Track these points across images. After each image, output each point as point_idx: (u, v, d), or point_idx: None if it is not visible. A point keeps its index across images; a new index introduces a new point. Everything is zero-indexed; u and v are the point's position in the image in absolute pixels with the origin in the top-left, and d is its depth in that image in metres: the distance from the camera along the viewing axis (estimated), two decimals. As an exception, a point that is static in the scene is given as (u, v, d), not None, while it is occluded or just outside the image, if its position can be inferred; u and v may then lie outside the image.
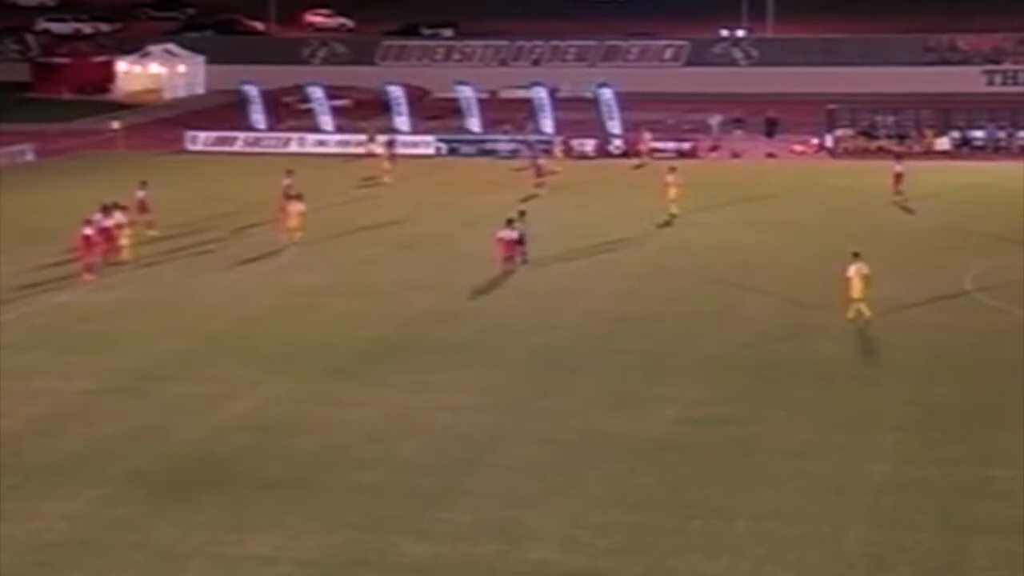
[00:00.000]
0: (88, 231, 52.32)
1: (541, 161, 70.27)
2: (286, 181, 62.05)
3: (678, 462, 33.42)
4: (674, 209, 60.97)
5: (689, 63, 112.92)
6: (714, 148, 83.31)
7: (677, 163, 67.78)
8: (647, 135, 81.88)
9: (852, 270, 44.73)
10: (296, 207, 57.67)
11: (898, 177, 65.69)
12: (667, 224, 60.25)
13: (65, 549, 28.97)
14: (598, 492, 31.73)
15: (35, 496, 31.56)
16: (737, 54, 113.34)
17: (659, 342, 43.58)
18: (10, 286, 50.88)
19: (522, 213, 54.25)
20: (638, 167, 63.03)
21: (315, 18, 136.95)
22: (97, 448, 34.64)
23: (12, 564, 28.32)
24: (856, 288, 44.58)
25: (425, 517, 30.40)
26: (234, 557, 28.63)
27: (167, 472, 33.03)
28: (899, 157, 69.65)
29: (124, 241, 54.87)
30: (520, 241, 52.96)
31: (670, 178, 61.91)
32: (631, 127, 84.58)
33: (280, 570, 28.15)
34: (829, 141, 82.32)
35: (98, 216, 54.39)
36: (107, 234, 54.05)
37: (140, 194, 60.20)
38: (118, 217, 55.13)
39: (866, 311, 44.43)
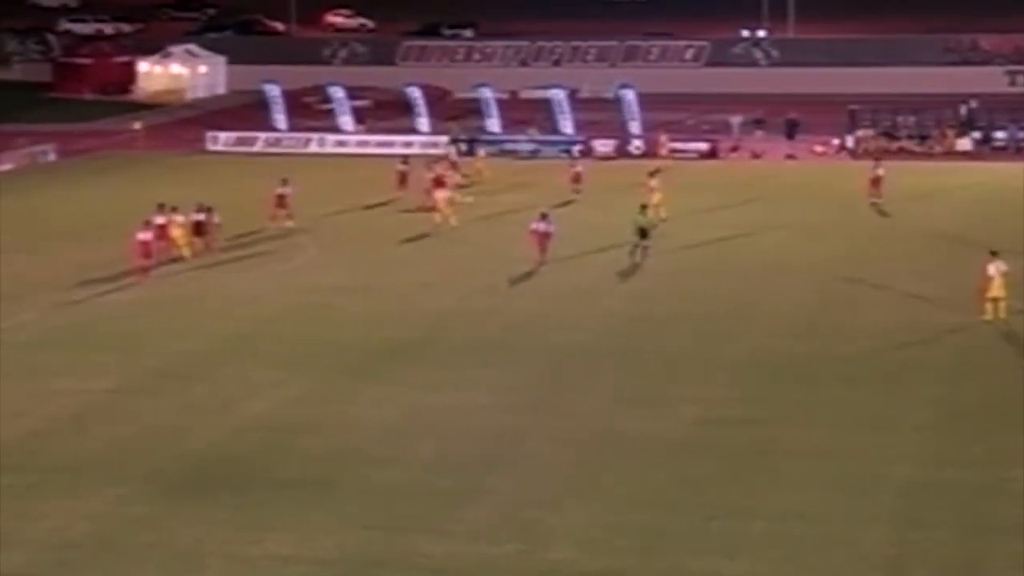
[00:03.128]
0: (144, 235, 52.19)
1: (579, 168, 68.59)
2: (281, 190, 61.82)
3: (698, 462, 33.34)
4: (662, 213, 59.42)
5: (709, 63, 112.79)
6: (735, 149, 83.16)
7: (658, 167, 67.71)
8: (663, 137, 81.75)
9: (992, 268, 44.03)
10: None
11: (876, 181, 64.71)
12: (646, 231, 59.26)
13: (84, 548, 29.00)
14: (617, 492, 31.66)
15: (55, 495, 31.60)
16: (758, 54, 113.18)
17: (678, 342, 43.50)
18: (31, 285, 50.97)
19: (544, 216, 54.26)
20: (655, 171, 62.77)
21: (336, 18, 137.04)
22: (117, 447, 34.68)
23: (32, 562, 28.36)
24: (996, 287, 43.93)
25: (444, 517, 30.37)
26: (252, 556, 28.64)
27: (186, 471, 33.05)
28: (877, 159, 68.95)
29: (181, 239, 54.82)
30: (549, 235, 53.70)
31: (653, 183, 60.95)
32: (651, 128, 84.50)
33: (298, 570, 28.15)
34: (850, 142, 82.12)
35: (157, 218, 54.45)
36: (162, 233, 54.08)
37: (281, 190, 60.89)
38: (174, 218, 55.04)
39: (1003, 312, 43.97)
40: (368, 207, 65.84)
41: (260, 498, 31.40)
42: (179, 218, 55.41)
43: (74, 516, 30.46)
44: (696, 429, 35.69)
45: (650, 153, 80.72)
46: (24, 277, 52.17)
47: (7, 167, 78.92)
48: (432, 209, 60.93)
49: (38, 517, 30.42)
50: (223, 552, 28.79)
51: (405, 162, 68.95)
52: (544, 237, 53.66)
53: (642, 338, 44.06)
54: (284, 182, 61.52)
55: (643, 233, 53.71)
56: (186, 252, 54.90)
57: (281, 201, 61.12)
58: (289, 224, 60.00)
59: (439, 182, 62.65)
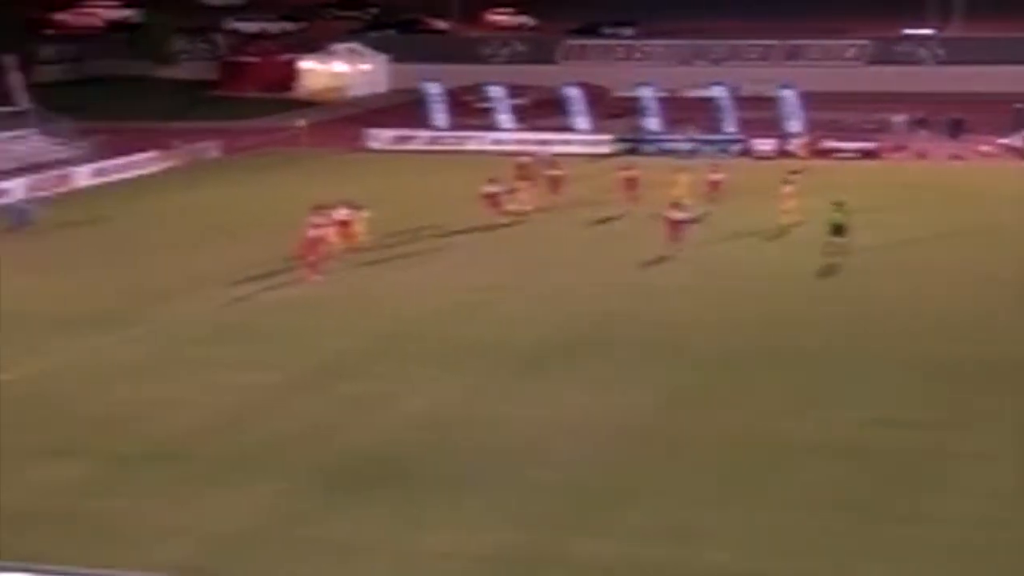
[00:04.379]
0: (310, 233, 52.86)
1: (719, 176, 66.26)
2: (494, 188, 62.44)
3: (863, 466, 32.84)
4: (790, 219, 58.74)
5: (872, 62, 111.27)
6: (898, 149, 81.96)
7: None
8: (805, 139, 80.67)
9: None
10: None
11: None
12: (778, 237, 58.55)
13: (245, 540, 29.35)
14: (778, 494, 31.31)
15: (216, 488, 32.03)
16: (922, 53, 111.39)
17: (845, 343, 42.93)
18: (197, 281, 51.82)
19: (676, 204, 55.31)
20: (795, 172, 62.10)
21: (497, 17, 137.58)
22: (278, 442, 35.07)
23: (192, 555, 28.78)
24: None
25: (601, 516, 30.27)
26: (410, 552, 28.77)
27: (346, 467, 33.31)
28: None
29: (337, 237, 55.43)
30: (685, 222, 54.89)
31: (788, 188, 60.18)
32: (812, 127, 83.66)
33: (456, 566, 28.22)
34: (1018, 141, 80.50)
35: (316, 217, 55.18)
36: (344, 228, 55.01)
37: (489, 189, 61.62)
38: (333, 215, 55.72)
39: None
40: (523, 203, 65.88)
41: (418, 494, 31.54)
42: (336, 215, 55.89)
43: (236, 509, 30.85)
44: (861, 431, 35.17)
45: (791, 154, 79.88)
46: (190, 273, 53.04)
47: (172, 164, 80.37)
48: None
49: (200, 509, 30.87)
50: (382, 547, 28.95)
51: (555, 164, 68.23)
52: (678, 225, 54.49)
53: (805, 339, 43.55)
54: (492, 181, 62.31)
55: (838, 230, 53.21)
56: (341, 249, 55.34)
57: (494, 199, 61.90)
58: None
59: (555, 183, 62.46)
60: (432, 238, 59.17)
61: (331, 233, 54.93)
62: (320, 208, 55.21)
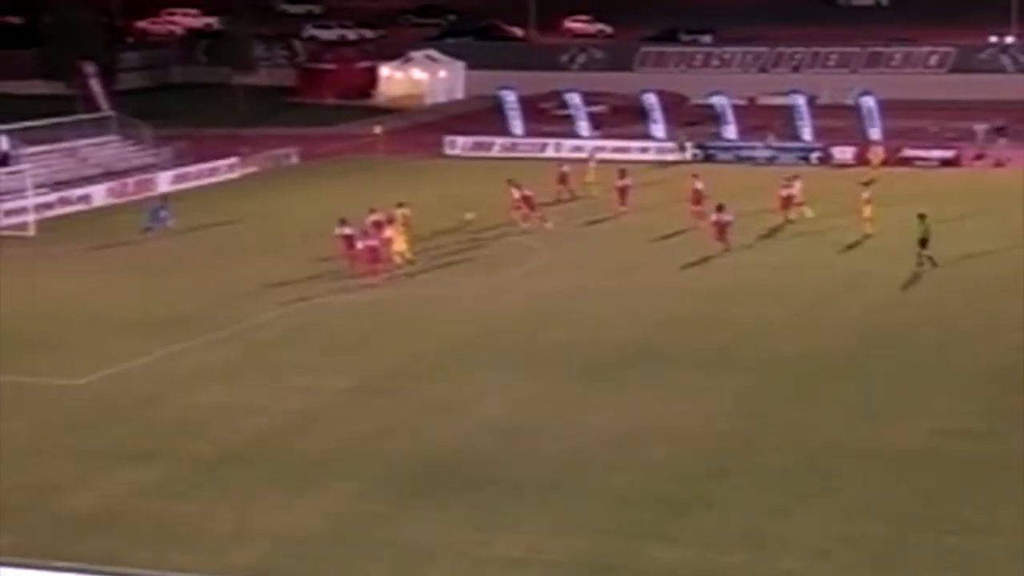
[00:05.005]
0: (369, 242, 53.49)
1: (793, 190, 63.72)
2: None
3: (934, 475, 32.65)
4: (868, 229, 58.57)
5: (954, 70, 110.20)
6: (978, 157, 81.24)
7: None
8: (879, 148, 79.94)
9: None
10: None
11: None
12: (856, 245, 58.07)
13: (318, 543, 29.54)
14: (849, 503, 31.16)
15: (291, 490, 32.26)
16: (1005, 60, 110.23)
17: (915, 352, 42.65)
18: (273, 284, 52.17)
19: (720, 207, 56.89)
20: (868, 182, 61.67)
21: (574, 24, 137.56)
22: (352, 445, 35.26)
23: (269, 555, 29.01)
24: None
25: (673, 524, 30.23)
26: (483, 557, 28.84)
27: (419, 471, 33.45)
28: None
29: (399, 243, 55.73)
30: (729, 224, 56.54)
31: (865, 194, 59.85)
32: (891, 135, 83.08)
33: (529, 572, 28.26)
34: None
35: (368, 222, 55.68)
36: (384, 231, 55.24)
37: (520, 192, 62.43)
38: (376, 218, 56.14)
39: None
40: (596, 209, 65.85)
41: (491, 499, 31.62)
42: (398, 220, 56.22)
43: (310, 511, 31.05)
44: (933, 441, 34.95)
45: (888, 160, 79.30)
46: (266, 276, 53.40)
47: (252, 170, 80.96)
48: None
49: (276, 511, 31.10)
50: (454, 551, 29.05)
51: (624, 174, 67.47)
52: (723, 227, 56.30)
53: (877, 348, 43.30)
54: (514, 183, 62.64)
55: (923, 243, 52.86)
56: (407, 255, 55.54)
57: (528, 202, 62.28)
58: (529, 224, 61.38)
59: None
60: (507, 243, 59.23)
61: (398, 239, 55.20)
62: (372, 211, 55.98)
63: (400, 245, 55.06)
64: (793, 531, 29.65)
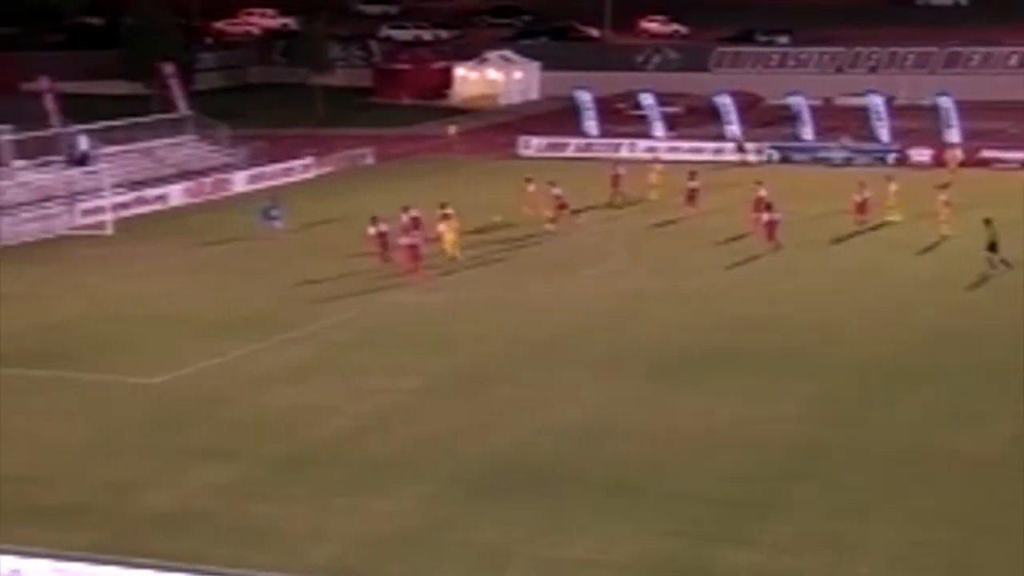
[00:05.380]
0: (408, 240, 54.06)
1: (866, 195, 62.69)
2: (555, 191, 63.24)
3: (1014, 481, 32.29)
4: (945, 230, 58.20)
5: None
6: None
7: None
8: (957, 150, 79.09)
9: None
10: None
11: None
12: (933, 247, 57.69)
13: (392, 544, 29.65)
14: (926, 508, 30.94)
15: (363, 492, 32.41)
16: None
17: (993, 356, 42.24)
18: (349, 285, 52.44)
19: (768, 206, 57.69)
20: (944, 185, 61.17)
21: (650, 25, 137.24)
22: (424, 446, 35.37)
23: (342, 556, 29.15)
24: None
25: (748, 527, 30.13)
26: (555, 559, 28.85)
27: (491, 472, 33.51)
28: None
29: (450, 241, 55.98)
30: (776, 223, 57.22)
31: (943, 196, 59.43)
32: (970, 136, 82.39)
33: (601, 574, 28.23)
34: None
35: (405, 219, 56.32)
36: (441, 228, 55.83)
37: (555, 191, 62.85)
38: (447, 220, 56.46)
39: None
40: (668, 211, 65.70)
41: (563, 501, 31.64)
42: (451, 220, 56.76)
43: (382, 513, 31.19)
44: (1014, 446, 34.61)
45: (967, 162, 78.62)
46: (340, 278, 53.66)
47: (327, 170, 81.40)
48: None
49: (348, 512, 31.26)
50: (526, 553, 29.07)
51: (692, 177, 67.29)
52: (772, 226, 56.96)
53: (955, 352, 42.96)
54: (617, 163, 63.16)
55: (991, 247, 52.45)
56: (456, 254, 55.86)
57: (615, 181, 63.58)
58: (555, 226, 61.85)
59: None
60: (581, 245, 59.24)
61: (450, 237, 55.87)
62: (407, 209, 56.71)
63: (449, 243, 55.76)
64: (868, 535, 29.47)
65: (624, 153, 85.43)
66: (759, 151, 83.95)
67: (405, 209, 57.19)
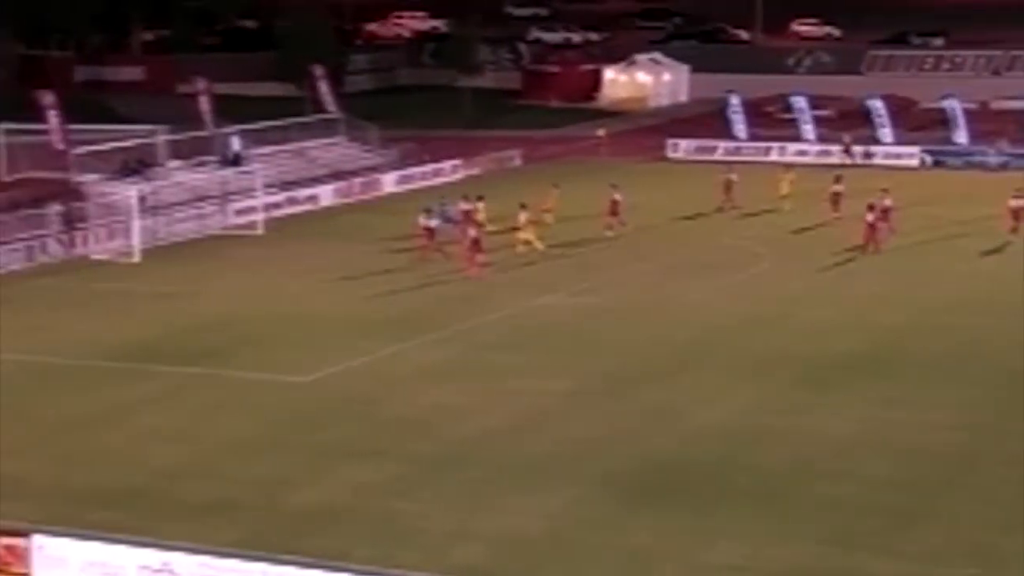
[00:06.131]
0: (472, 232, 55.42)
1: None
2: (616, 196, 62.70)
3: None
4: None
5: None
6: None
7: None
8: None
9: None
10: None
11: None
12: None
13: (540, 546, 29.63)
14: (1082, 521, 30.29)
15: (511, 492, 32.43)
16: None
17: None
18: (495, 287, 52.58)
19: (871, 207, 57.51)
20: None
21: (802, 27, 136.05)
22: (572, 448, 35.32)
23: (490, 556, 29.16)
24: None
25: (896, 536, 29.69)
26: (702, 564, 28.65)
27: (639, 475, 33.38)
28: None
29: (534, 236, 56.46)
30: (875, 225, 57.24)
31: None
32: None
33: (747, 580, 28.07)
34: None
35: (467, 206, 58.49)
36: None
37: (614, 196, 61.33)
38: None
39: None
40: (817, 215, 65.01)
41: (712, 506, 31.43)
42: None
43: (531, 514, 31.17)
44: None
45: None
46: (482, 278, 53.80)
47: (475, 171, 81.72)
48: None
49: (497, 513, 31.30)
50: (674, 558, 28.91)
51: (837, 180, 65.99)
52: (872, 228, 56.84)
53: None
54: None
55: None
56: (539, 246, 56.75)
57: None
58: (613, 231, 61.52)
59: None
60: (730, 248, 58.87)
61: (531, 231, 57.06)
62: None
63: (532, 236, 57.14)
64: (1021, 547, 28.87)
65: (774, 157, 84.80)
66: (867, 155, 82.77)
67: (464, 198, 57.54)
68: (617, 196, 62.36)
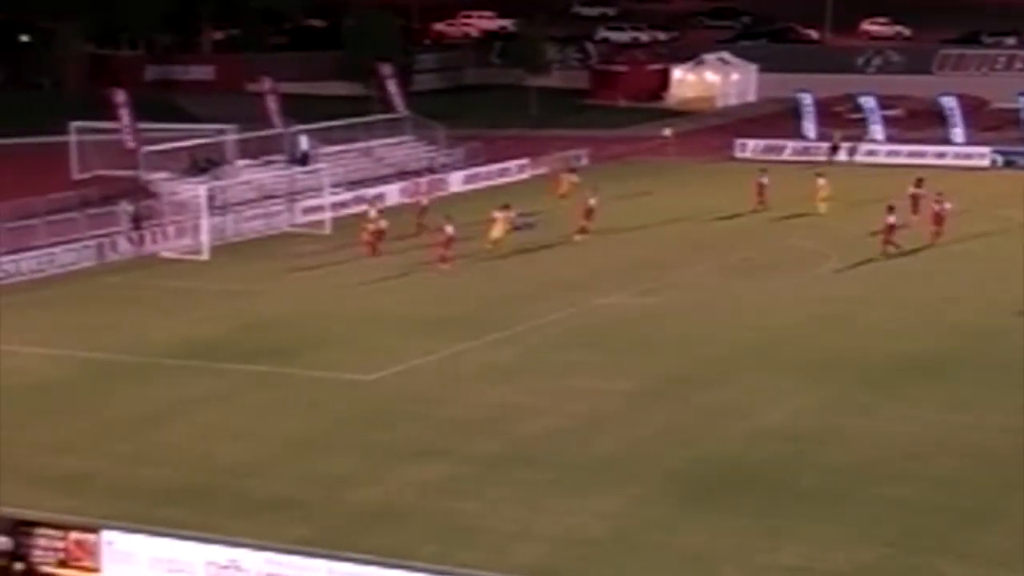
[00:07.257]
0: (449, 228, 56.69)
1: None
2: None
3: None
4: None
5: None
6: None
7: None
8: None
9: None
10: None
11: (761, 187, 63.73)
12: None
13: (601, 545, 29.62)
14: None
15: (573, 492, 32.43)
16: None
17: None
18: (558, 287, 52.58)
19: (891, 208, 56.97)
20: None
21: (872, 26, 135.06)
22: (634, 448, 35.29)
23: (550, 555, 29.22)
24: None
25: (961, 538, 29.51)
26: (764, 565, 28.57)
27: (701, 476, 33.32)
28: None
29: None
30: (896, 227, 56.95)
31: None
32: None
33: (809, 582, 27.96)
34: None
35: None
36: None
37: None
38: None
39: None
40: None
41: (774, 507, 31.32)
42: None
43: (592, 514, 31.18)
44: None
45: None
46: (551, 279, 53.86)
47: (542, 171, 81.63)
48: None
49: (557, 513, 31.30)
50: (735, 559, 28.84)
51: (918, 184, 65.12)
52: (890, 231, 56.53)
53: None
54: (763, 171, 64.15)
55: None
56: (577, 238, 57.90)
57: (760, 190, 63.76)
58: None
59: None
60: (793, 249, 58.59)
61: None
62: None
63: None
64: (1088, 552, 28.67)
65: (842, 156, 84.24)
66: (851, 151, 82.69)
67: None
68: (592, 201, 62.42)
